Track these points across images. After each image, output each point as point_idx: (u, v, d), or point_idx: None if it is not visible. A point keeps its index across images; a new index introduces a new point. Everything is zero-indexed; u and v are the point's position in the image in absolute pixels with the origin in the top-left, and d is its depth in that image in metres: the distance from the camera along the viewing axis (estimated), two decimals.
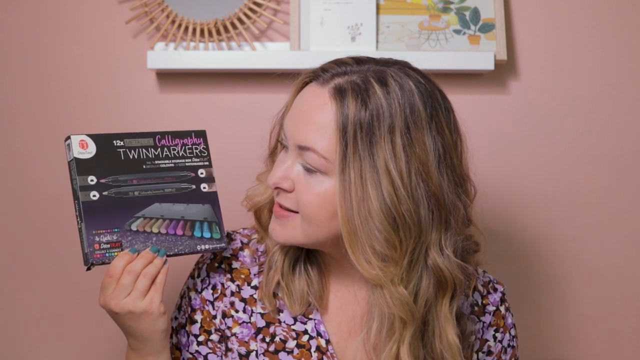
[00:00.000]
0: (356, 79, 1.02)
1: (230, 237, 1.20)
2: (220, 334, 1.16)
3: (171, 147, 1.13)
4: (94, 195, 1.06)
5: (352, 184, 1.00)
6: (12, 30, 1.56)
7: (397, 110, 1.00)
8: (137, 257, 1.06)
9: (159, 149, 1.12)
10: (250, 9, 1.55)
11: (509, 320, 1.22)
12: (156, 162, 1.11)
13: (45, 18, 1.56)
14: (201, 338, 1.16)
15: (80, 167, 1.06)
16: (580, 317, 1.60)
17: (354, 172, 0.99)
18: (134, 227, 1.07)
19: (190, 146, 1.14)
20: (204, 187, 1.13)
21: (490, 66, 1.51)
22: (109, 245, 1.06)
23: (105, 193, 1.06)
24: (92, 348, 1.57)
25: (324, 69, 1.05)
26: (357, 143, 0.99)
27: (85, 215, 1.05)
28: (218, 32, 1.54)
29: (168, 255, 1.08)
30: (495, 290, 1.22)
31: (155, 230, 1.09)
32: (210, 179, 1.14)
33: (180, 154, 1.13)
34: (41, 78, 1.57)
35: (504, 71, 1.58)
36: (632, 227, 1.60)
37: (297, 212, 1.06)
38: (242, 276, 1.17)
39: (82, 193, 1.05)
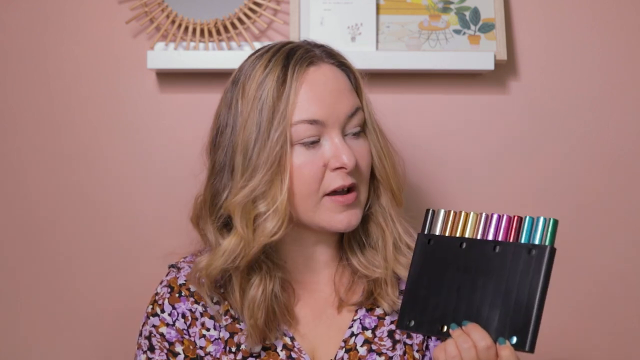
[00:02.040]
0: (331, 52, 1.18)
1: (177, 267, 1.21)
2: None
3: None
4: None
5: (377, 130, 1.18)
6: (12, 30, 1.56)
7: None
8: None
9: None
10: (250, 9, 1.55)
11: None
12: None
13: (45, 18, 1.56)
14: None
15: None
16: (580, 318, 1.60)
17: (370, 112, 1.18)
18: None
19: None
20: None
21: (490, 66, 1.51)
22: None
23: None
24: (92, 349, 1.57)
25: (312, 56, 1.15)
26: (364, 95, 1.19)
27: None
28: (218, 32, 1.54)
29: None
30: None
31: None
32: None
33: None
34: (41, 78, 1.56)
35: (504, 71, 1.58)
36: (633, 227, 1.60)
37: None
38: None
39: None
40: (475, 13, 1.56)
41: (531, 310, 0.96)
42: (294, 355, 1.15)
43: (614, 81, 1.59)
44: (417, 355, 1.19)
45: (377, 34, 1.54)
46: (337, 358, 1.16)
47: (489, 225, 1.02)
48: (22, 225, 1.57)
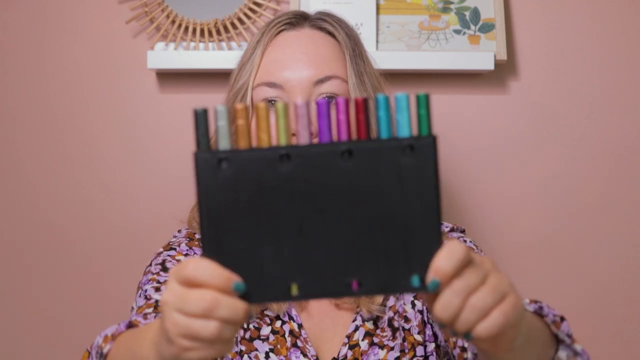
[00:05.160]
0: (323, 17, 1.15)
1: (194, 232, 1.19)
2: None
3: None
4: None
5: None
6: (12, 30, 1.56)
7: (356, 33, 1.18)
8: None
9: None
10: (250, 9, 1.55)
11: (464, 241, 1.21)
12: None
13: (45, 18, 1.56)
14: None
15: None
16: (581, 318, 1.60)
17: (365, 86, 1.12)
18: None
19: None
20: None
21: (490, 66, 1.51)
22: None
23: None
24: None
25: (291, 19, 1.14)
26: (359, 62, 1.14)
27: None
28: (218, 32, 1.54)
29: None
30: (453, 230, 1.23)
31: None
32: None
33: None
34: (41, 78, 1.57)
35: (504, 71, 1.58)
36: (633, 227, 1.60)
37: None
38: None
39: None
40: (475, 13, 1.56)
41: (434, 233, 0.65)
42: (299, 343, 1.13)
43: (614, 81, 1.59)
44: (418, 337, 1.16)
45: (377, 34, 1.54)
46: (340, 355, 1.16)
47: (319, 121, 0.65)
48: (21, 225, 1.57)
